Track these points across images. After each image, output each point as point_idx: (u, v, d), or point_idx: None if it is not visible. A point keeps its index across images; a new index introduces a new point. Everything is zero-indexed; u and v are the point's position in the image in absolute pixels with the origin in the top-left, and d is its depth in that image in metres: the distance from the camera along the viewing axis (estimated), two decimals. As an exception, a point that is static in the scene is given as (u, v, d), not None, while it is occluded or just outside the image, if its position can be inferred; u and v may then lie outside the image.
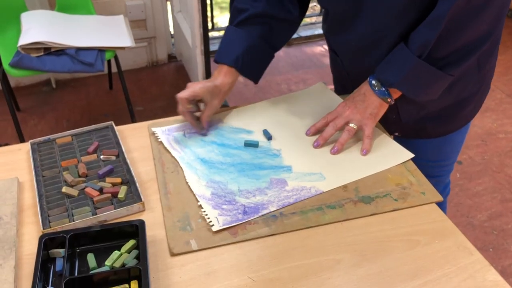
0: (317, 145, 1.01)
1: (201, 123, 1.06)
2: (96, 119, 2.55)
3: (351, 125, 1.00)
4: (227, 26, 1.10)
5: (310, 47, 3.30)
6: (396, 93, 1.00)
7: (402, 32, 0.95)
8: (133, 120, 2.30)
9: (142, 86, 2.86)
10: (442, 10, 0.85)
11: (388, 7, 0.92)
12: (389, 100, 0.99)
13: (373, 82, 0.99)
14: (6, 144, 2.23)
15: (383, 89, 0.98)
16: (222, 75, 1.06)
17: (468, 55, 0.91)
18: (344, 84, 1.21)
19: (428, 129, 1.12)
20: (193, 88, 1.02)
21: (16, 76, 1.99)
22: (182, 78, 2.94)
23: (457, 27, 0.87)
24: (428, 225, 0.84)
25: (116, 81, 2.75)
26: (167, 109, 2.65)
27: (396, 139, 1.17)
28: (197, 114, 1.07)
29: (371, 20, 0.96)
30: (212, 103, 1.05)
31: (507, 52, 3.20)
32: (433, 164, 1.20)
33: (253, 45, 1.06)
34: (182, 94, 1.01)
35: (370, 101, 0.99)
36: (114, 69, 2.68)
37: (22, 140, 2.14)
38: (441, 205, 0.92)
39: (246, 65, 1.06)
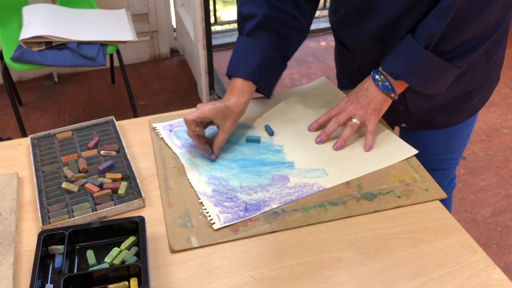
0: (319, 141, 1.00)
1: (213, 149, 0.97)
2: (98, 114, 2.55)
3: (354, 120, 0.99)
4: (238, 36, 1.04)
5: (313, 42, 3.28)
6: (400, 88, 0.98)
7: (415, 23, 0.93)
8: (135, 115, 2.29)
9: (144, 81, 2.85)
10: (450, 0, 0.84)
11: None
12: (392, 95, 0.98)
13: (377, 77, 0.97)
14: (9, 139, 2.23)
15: (387, 84, 0.96)
16: (236, 94, 0.98)
17: (476, 47, 0.90)
18: (351, 78, 1.19)
19: (435, 120, 1.11)
20: (201, 110, 0.93)
21: (18, 70, 1.98)
22: (185, 72, 2.93)
23: (466, 19, 0.86)
24: (431, 222, 0.83)
25: (119, 75, 2.75)
26: (169, 103, 2.65)
27: (403, 131, 1.16)
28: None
29: (384, 13, 0.94)
30: (224, 126, 0.95)
31: (512, 46, 3.17)
32: (440, 157, 1.19)
33: (267, 55, 1.00)
34: (189, 116, 0.92)
35: (373, 96, 0.98)
36: (116, 63, 2.68)
37: (24, 134, 2.13)
38: (447, 199, 0.91)
39: (262, 77, 1.00)
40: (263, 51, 1.00)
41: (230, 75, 1.01)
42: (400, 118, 1.10)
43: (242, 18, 1.03)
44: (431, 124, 1.12)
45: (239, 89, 0.98)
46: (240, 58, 1.01)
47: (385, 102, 0.99)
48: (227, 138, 0.97)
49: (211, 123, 0.99)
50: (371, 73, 0.99)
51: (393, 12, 0.93)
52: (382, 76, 0.97)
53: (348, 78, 1.23)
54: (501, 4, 0.86)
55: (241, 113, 0.99)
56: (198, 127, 0.94)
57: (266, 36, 1.01)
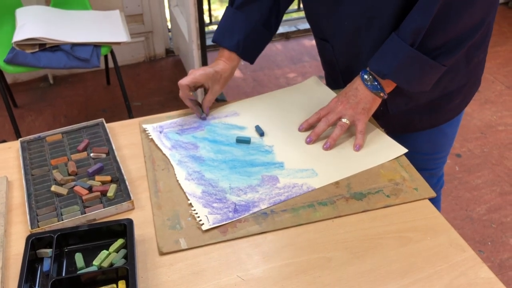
0: (309, 141, 1.00)
1: (202, 108, 1.09)
2: (94, 115, 2.55)
3: (344, 120, 0.99)
4: (227, 6, 1.11)
5: (308, 40, 3.27)
6: (389, 87, 0.98)
7: (393, 13, 0.93)
8: (131, 116, 2.29)
9: (139, 81, 2.84)
10: None
11: None
12: (382, 94, 0.98)
13: (365, 76, 0.97)
14: (4, 141, 2.23)
15: (376, 83, 0.96)
16: (224, 60, 1.09)
17: (461, 45, 0.90)
18: (331, 72, 1.20)
19: (415, 122, 1.11)
20: (194, 75, 1.04)
21: (11, 73, 1.98)
22: (180, 72, 2.92)
23: (452, 16, 0.86)
24: (420, 221, 0.83)
25: (114, 76, 2.73)
26: (165, 104, 2.64)
27: None
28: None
29: None
30: (213, 88, 1.07)
31: (508, 43, 3.17)
32: (426, 157, 1.19)
33: (253, 29, 1.08)
34: (183, 81, 1.03)
35: (363, 96, 0.98)
36: (111, 64, 2.67)
37: (19, 136, 2.13)
38: (435, 198, 0.91)
39: (246, 49, 1.09)
40: (250, 25, 1.08)
41: (216, 42, 1.11)
42: (379, 121, 1.10)
43: None
44: (411, 126, 1.12)
45: (227, 56, 1.09)
46: (227, 29, 1.10)
47: (374, 102, 0.99)
48: (214, 99, 1.09)
49: (202, 86, 1.08)
50: (360, 73, 0.99)
51: None
52: (370, 76, 0.97)
53: (328, 72, 1.23)
54: (486, 0, 0.86)
55: (229, 77, 1.10)
56: (191, 91, 1.05)
57: (255, 11, 1.08)
